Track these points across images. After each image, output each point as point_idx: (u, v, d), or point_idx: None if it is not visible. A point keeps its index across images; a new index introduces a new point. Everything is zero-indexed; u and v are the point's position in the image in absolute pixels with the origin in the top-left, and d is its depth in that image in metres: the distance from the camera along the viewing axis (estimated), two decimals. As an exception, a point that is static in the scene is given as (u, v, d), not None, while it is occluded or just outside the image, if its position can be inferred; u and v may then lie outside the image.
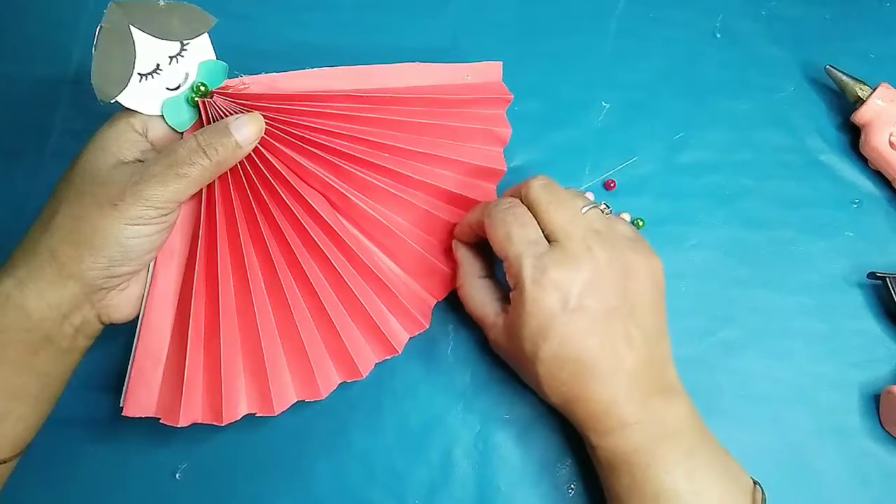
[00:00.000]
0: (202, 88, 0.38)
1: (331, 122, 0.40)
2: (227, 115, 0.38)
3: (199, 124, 0.39)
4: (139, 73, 0.37)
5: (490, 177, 0.47)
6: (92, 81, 0.35)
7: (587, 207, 0.39)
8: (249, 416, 0.41)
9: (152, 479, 0.44)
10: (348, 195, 0.41)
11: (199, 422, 0.40)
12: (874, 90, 0.49)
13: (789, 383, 0.46)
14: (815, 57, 0.53)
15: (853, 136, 0.51)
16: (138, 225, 0.35)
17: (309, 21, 0.54)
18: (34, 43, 0.53)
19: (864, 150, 0.50)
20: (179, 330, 0.39)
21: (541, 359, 0.38)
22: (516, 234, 0.38)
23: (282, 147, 0.39)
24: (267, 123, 0.38)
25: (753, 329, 0.47)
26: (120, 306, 0.38)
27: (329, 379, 0.42)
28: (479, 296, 0.42)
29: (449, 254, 0.45)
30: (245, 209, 0.40)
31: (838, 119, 0.52)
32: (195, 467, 0.44)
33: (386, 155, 0.42)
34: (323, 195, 0.41)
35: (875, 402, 0.45)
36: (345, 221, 0.42)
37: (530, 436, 0.45)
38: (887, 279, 0.46)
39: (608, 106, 0.52)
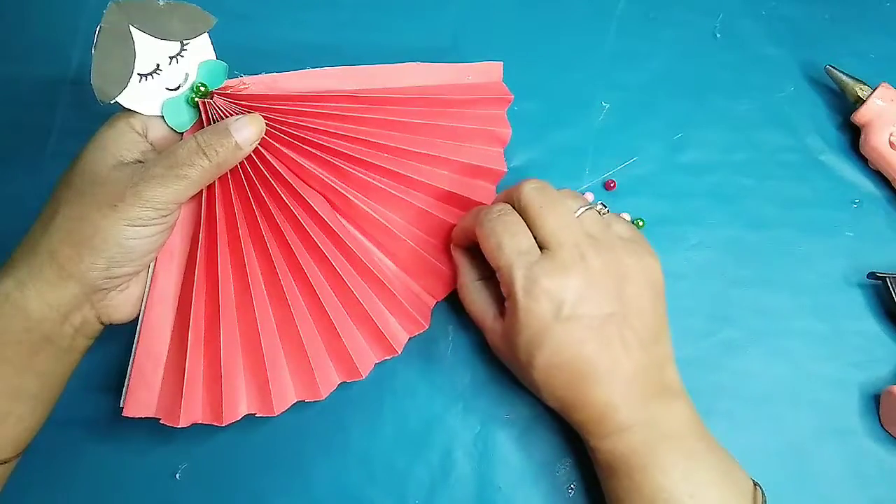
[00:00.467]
0: (202, 89, 0.38)
1: (330, 123, 0.40)
2: (227, 116, 0.38)
3: (200, 125, 0.38)
4: (139, 74, 0.36)
5: (490, 177, 0.47)
6: (91, 82, 0.35)
7: (582, 209, 0.39)
8: (249, 416, 0.41)
9: (152, 479, 0.44)
10: (348, 195, 0.41)
11: (200, 422, 0.40)
12: (874, 90, 0.49)
13: (789, 383, 0.46)
14: (815, 57, 0.53)
15: (853, 136, 0.51)
16: (138, 226, 0.35)
17: (309, 21, 0.54)
18: (34, 43, 0.53)
19: (864, 150, 0.50)
20: (179, 330, 0.39)
21: (536, 367, 0.38)
22: (507, 244, 0.38)
23: (282, 147, 0.39)
24: (267, 124, 0.38)
25: (753, 329, 0.47)
26: (120, 307, 0.38)
27: (329, 379, 0.42)
28: (478, 299, 0.42)
29: (449, 254, 0.45)
30: (245, 209, 0.40)
31: (838, 119, 0.52)
32: (195, 467, 0.44)
33: (386, 155, 0.42)
34: (323, 195, 0.41)
35: (875, 401, 0.45)
36: (344, 222, 0.42)
37: (530, 436, 0.45)
38: (887, 279, 0.46)
39: (608, 106, 0.52)
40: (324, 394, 0.42)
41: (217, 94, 0.38)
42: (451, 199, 0.45)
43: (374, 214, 0.42)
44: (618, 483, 0.38)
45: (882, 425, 0.45)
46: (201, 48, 0.38)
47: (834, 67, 0.50)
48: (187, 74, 0.38)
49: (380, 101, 0.41)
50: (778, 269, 0.48)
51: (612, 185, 0.50)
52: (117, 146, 0.36)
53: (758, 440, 0.45)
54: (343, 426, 0.45)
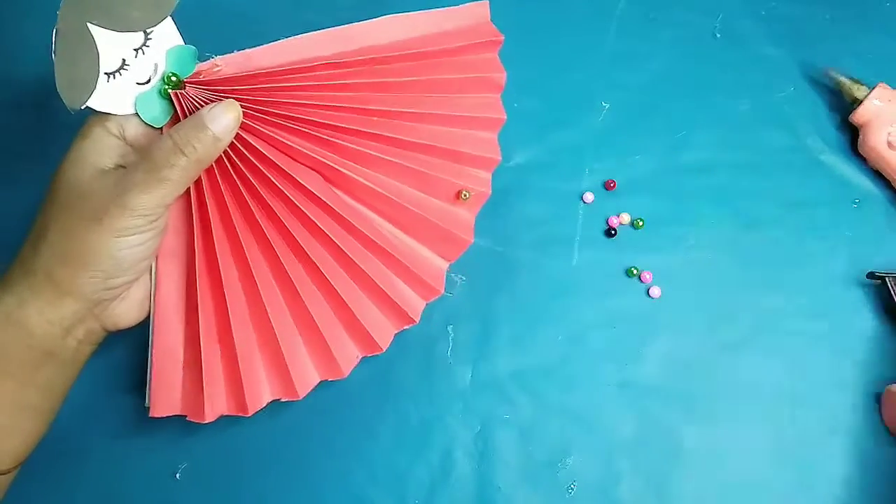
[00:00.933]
0: (174, 79, 0.35)
1: (314, 94, 0.38)
2: (202, 106, 0.35)
3: (177, 116, 0.36)
4: (105, 73, 0.34)
5: (489, 126, 0.44)
6: (57, 90, 0.33)
7: None
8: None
9: (152, 479, 0.44)
10: (341, 169, 0.39)
11: (226, 414, 0.40)
12: (871, 90, 0.49)
13: (789, 383, 0.46)
14: (815, 57, 0.53)
15: (853, 136, 0.51)
16: (127, 236, 0.34)
17: (309, 21, 0.53)
18: (34, 43, 0.52)
19: (862, 150, 0.50)
20: (191, 327, 0.39)
21: None
22: None
23: (265, 129, 0.37)
24: (247, 105, 0.36)
25: (753, 329, 0.47)
26: (124, 313, 0.38)
27: (348, 355, 0.42)
28: None
29: (455, 215, 0.43)
30: (236, 198, 0.38)
31: (838, 119, 0.52)
32: (195, 467, 0.44)
33: (376, 119, 0.39)
34: (315, 171, 0.40)
35: (876, 401, 0.45)
36: (342, 195, 0.41)
37: (530, 436, 0.45)
38: (887, 279, 0.46)
39: (608, 106, 0.52)
40: (345, 371, 0.42)
41: (189, 82, 0.36)
42: (451, 155, 0.43)
43: (371, 184, 0.40)
44: None
45: (884, 424, 0.45)
46: (166, 34, 0.35)
47: (832, 68, 0.50)
48: (156, 65, 0.35)
49: (362, 62, 0.39)
50: (778, 269, 0.48)
51: (612, 185, 0.50)
52: (96, 154, 0.35)
53: (758, 440, 0.45)
54: (343, 426, 0.45)
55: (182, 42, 0.36)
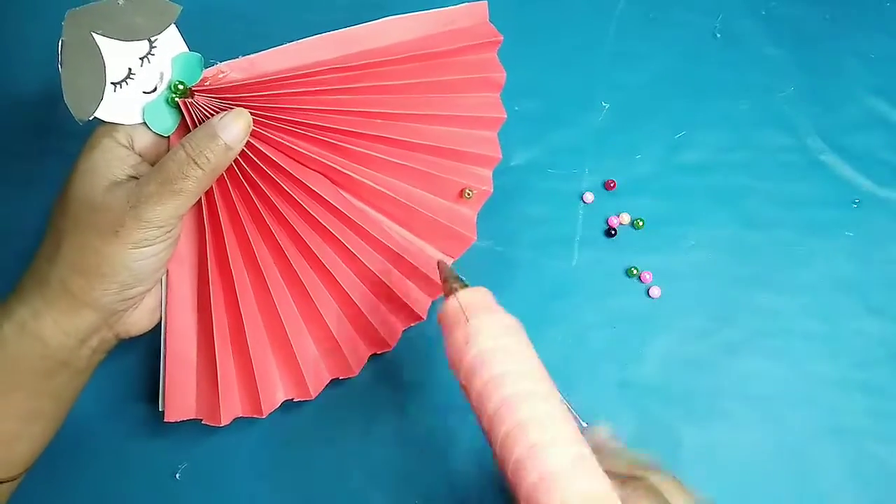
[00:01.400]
0: (181, 87, 0.36)
1: (319, 98, 0.38)
2: (211, 115, 0.36)
3: (185, 125, 0.37)
4: (112, 83, 0.34)
5: (490, 125, 0.45)
6: (65, 101, 0.33)
7: None
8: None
9: (152, 479, 0.44)
10: (348, 172, 0.40)
11: (241, 416, 0.41)
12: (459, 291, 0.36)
13: (789, 383, 0.46)
14: (815, 57, 0.53)
15: (853, 135, 0.51)
16: (143, 247, 0.34)
17: (309, 21, 0.53)
18: (34, 43, 0.53)
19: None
20: (204, 331, 0.40)
21: None
22: None
23: (272, 134, 0.38)
24: (254, 111, 0.36)
25: (753, 329, 0.47)
26: (137, 322, 0.38)
27: (358, 354, 0.43)
28: None
29: (458, 213, 0.44)
30: (247, 204, 0.39)
31: (838, 119, 0.52)
32: (195, 467, 0.44)
33: (380, 122, 0.40)
34: (323, 175, 0.40)
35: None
36: (350, 198, 0.41)
37: (530, 436, 0.45)
38: None
39: (608, 106, 0.52)
40: (356, 370, 0.43)
41: (197, 90, 0.36)
42: (453, 154, 0.43)
43: (378, 186, 0.41)
44: None
45: None
46: (171, 42, 0.35)
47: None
48: (162, 73, 0.36)
49: (366, 66, 0.39)
50: (778, 269, 0.48)
51: (612, 185, 0.50)
52: (107, 166, 0.35)
53: (758, 440, 0.45)
54: (343, 426, 0.45)
55: (187, 49, 0.36)
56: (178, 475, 0.44)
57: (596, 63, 0.53)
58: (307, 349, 0.42)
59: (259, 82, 0.37)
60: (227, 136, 0.35)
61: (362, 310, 0.42)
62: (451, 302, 0.35)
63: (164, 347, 0.39)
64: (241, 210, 0.39)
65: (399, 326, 0.44)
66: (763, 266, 0.48)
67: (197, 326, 0.40)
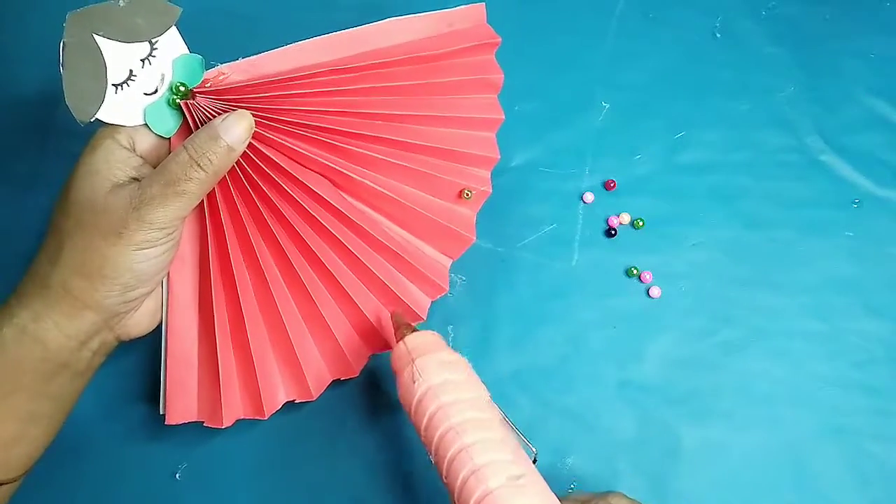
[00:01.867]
0: (182, 88, 0.36)
1: (320, 100, 0.39)
2: (212, 116, 0.36)
3: (186, 127, 0.37)
4: (113, 84, 0.34)
5: (488, 126, 0.45)
6: (67, 103, 0.33)
7: None
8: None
9: (152, 479, 0.44)
10: (349, 173, 0.40)
11: (242, 417, 0.41)
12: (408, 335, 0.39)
13: (789, 383, 0.46)
14: (815, 57, 0.53)
15: (853, 135, 0.51)
16: (146, 248, 0.35)
17: (309, 21, 0.53)
18: (34, 43, 0.53)
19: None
20: (206, 333, 0.40)
21: None
22: None
23: (273, 135, 0.38)
24: (255, 113, 0.36)
25: (753, 329, 0.47)
26: (138, 324, 0.38)
27: (360, 354, 0.43)
28: None
29: (458, 214, 0.45)
30: (248, 204, 0.39)
31: (838, 119, 0.52)
32: (195, 467, 0.44)
33: (380, 123, 0.40)
34: (323, 176, 0.40)
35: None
36: (350, 199, 0.42)
37: (530, 436, 0.45)
38: None
39: (608, 106, 0.52)
40: (357, 370, 0.43)
41: (198, 91, 0.36)
42: (452, 156, 0.44)
43: (378, 187, 0.41)
44: None
45: None
46: (172, 43, 0.35)
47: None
48: (163, 75, 0.36)
49: (366, 67, 0.39)
50: (778, 269, 0.48)
51: (612, 185, 0.50)
52: (108, 168, 0.34)
53: (758, 440, 0.45)
54: (343, 426, 0.45)
55: (187, 51, 0.36)
56: (178, 476, 0.44)
57: (596, 63, 0.53)
58: (308, 350, 0.42)
59: (260, 84, 0.37)
60: (229, 138, 0.35)
61: (363, 310, 0.42)
62: (399, 346, 0.39)
63: (165, 349, 0.40)
64: (243, 211, 0.39)
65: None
66: (763, 266, 0.48)
67: (198, 327, 0.40)
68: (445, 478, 0.34)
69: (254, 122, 0.36)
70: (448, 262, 0.46)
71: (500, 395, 0.45)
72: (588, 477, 0.44)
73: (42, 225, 0.37)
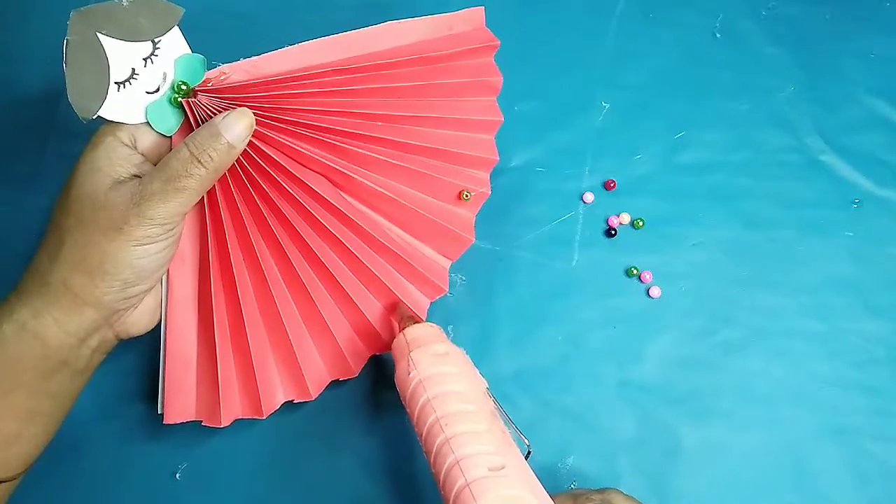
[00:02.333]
0: (183, 87, 0.36)
1: (320, 100, 0.39)
2: (214, 114, 0.36)
3: (188, 125, 0.37)
4: (116, 82, 0.35)
5: (487, 128, 0.46)
6: (69, 100, 0.34)
7: None
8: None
9: (152, 479, 0.44)
10: (349, 173, 0.40)
11: (241, 417, 0.41)
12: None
13: (789, 383, 0.46)
14: (815, 57, 0.53)
15: (853, 135, 0.51)
16: (146, 244, 0.35)
17: (309, 21, 0.54)
18: (34, 43, 0.53)
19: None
20: (205, 332, 0.40)
21: None
22: None
23: (274, 135, 0.38)
24: (256, 112, 0.37)
25: (753, 329, 0.47)
26: (137, 322, 0.38)
27: (358, 355, 0.43)
28: None
29: (457, 215, 0.45)
30: (248, 203, 0.39)
31: (838, 119, 0.52)
32: (195, 467, 0.44)
33: (380, 124, 0.41)
34: (323, 176, 0.40)
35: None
36: (350, 199, 0.42)
37: (530, 436, 0.45)
38: None
39: (608, 106, 0.52)
40: (356, 370, 0.43)
41: (199, 90, 0.36)
42: (451, 157, 0.44)
43: (378, 188, 0.41)
44: None
45: None
46: (174, 43, 0.36)
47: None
48: (165, 74, 0.36)
49: (367, 68, 0.40)
50: (778, 269, 0.48)
51: (612, 185, 0.50)
52: (110, 164, 0.35)
53: (758, 440, 0.45)
54: (343, 426, 0.45)
55: (189, 51, 0.36)
56: (178, 475, 0.44)
57: (596, 63, 0.53)
58: (308, 350, 0.42)
59: (261, 83, 0.37)
60: (230, 135, 0.35)
61: (362, 311, 0.42)
62: (399, 337, 0.39)
63: (164, 348, 0.40)
64: (243, 210, 0.39)
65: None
66: (763, 266, 0.48)
67: (197, 327, 0.40)
68: (433, 469, 0.35)
69: (254, 121, 0.36)
70: (447, 264, 0.46)
71: (500, 396, 0.45)
72: (588, 477, 0.44)
73: (42, 225, 0.37)
